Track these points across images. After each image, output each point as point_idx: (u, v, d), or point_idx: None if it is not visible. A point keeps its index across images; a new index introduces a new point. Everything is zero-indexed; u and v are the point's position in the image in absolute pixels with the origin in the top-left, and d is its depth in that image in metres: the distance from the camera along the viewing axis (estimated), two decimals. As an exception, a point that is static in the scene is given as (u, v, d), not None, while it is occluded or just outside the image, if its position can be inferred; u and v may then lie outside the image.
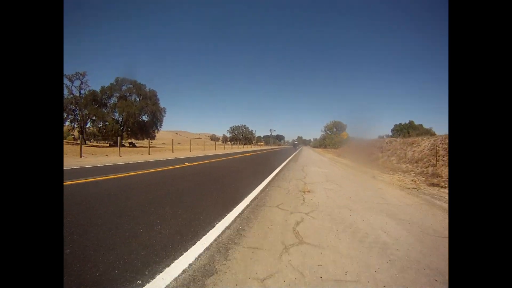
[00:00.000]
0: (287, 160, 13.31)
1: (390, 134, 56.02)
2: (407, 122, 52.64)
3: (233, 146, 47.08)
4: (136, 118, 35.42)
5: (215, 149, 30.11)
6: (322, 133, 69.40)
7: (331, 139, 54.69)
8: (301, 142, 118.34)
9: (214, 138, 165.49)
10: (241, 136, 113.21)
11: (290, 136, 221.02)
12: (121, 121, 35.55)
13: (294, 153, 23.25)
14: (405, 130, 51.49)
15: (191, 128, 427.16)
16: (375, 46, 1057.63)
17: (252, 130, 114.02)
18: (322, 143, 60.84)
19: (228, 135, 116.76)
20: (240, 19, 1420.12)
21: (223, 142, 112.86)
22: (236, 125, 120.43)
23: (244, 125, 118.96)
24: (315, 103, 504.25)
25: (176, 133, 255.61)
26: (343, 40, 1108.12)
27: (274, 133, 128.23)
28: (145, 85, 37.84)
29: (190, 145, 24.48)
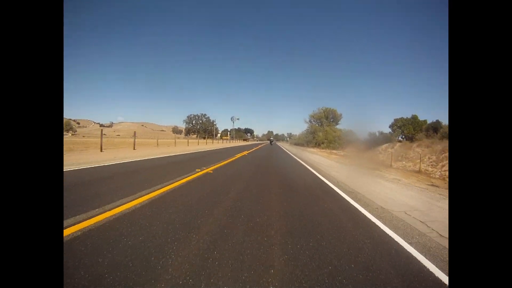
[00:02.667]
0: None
1: (390, 130, 47.41)
2: (409, 117, 44.31)
3: (189, 140, 33.06)
4: None
5: (157, 145, 16.57)
6: (307, 124, 53.73)
7: (327, 134, 38.79)
8: (273, 138, 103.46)
9: (176, 131, 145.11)
10: (199, 127, 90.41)
11: (259, 130, 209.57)
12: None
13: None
14: (409, 125, 43.08)
15: (158, 120, 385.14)
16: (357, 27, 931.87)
17: (213, 121, 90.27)
18: (310, 140, 43.96)
19: (185, 126, 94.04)
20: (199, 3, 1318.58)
21: (186, 134, 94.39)
22: (195, 113, 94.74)
23: (204, 114, 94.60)
24: (287, 93, 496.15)
25: (142, 125, 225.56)
26: (312, 19, 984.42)
27: (239, 124, 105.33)
28: None
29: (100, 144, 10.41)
